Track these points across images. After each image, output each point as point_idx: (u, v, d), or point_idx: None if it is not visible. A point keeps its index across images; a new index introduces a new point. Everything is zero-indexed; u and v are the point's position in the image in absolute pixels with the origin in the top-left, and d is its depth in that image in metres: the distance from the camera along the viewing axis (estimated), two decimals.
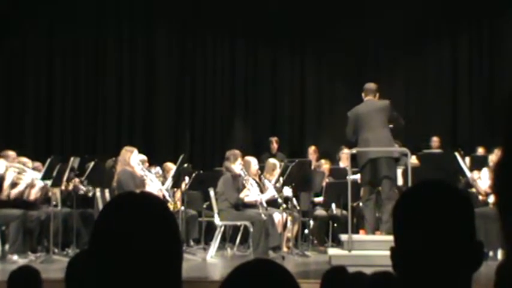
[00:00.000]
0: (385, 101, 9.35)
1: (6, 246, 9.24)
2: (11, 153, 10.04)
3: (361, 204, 9.72)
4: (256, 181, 10.35)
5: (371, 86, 9.47)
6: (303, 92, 14.91)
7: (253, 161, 10.46)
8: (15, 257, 8.98)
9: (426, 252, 1.61)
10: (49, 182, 9.38)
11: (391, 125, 9.19)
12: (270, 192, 10.19)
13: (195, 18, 14.44)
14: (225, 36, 14.79)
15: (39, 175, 9.52)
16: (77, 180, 9.95)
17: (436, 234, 1.61)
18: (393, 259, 1.68)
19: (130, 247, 1.60)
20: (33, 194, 9.74)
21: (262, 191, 10.23)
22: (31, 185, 9.66)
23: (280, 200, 10.01)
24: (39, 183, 9.64)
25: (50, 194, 9.89)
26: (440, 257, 1.61)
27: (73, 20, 13.98)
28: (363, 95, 9.41)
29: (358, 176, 9.52)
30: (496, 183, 1.58)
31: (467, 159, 10.39)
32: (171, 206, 9.66)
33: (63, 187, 9.62)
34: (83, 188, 10.09)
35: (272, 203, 10.17)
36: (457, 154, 9.69)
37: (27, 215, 9.33)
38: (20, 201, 9.55)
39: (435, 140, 12.99)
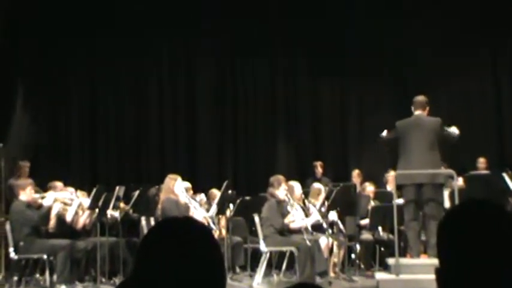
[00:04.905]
0: (436, 118, 9.02)
1: (54, 277, 9.31)
2: (59, 184, 10.20)
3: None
4: (301, 206, 10.31)
5: (419, 99, 9.17)
6: (345, 116, 14.87)
7: (296, 186, 10.43)
8: (63, 287, 9.05)
9: (472, 272, 1.57)
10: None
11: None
12: (314, 217, 10.14)
13: (234, 45, 14.53)
14: (266, 61, 14.83)
15: (88, 201, 9.62)
16: (122, 205, 9.98)
17: (482, 254, 1.58)
18: (438, 280, 1.64)
19: (174, 274, 1.59)
20: (81, 221, 9.83)
21: (306, 216, 10.18)
22: (79, 211, 9.76)
23: (325, 225, 9.95)
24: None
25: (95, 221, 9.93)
26: (486, 277, 1.57)
27: (112, 56, 14.18)
28: (412, 108, 9.15)
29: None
30: None
31: None
32: (215, 234, 9.67)
33: (109, 216, 9.69)
34: (132, 214, 10.14)
35: (318, 227, 10.11)
36: (504, 174, 9.54)
37: (74, 245, 9.42)
38: (68, 231, 9.66)
39: (482, 161, 12.80)
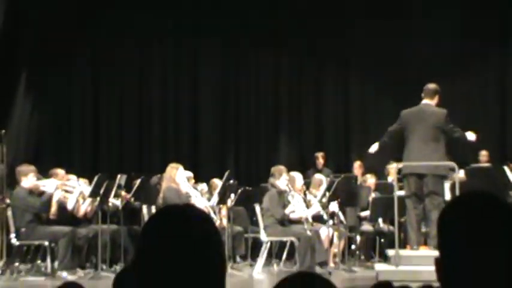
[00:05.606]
0: (442, 110, 8.82)
1: (56, 263, 9.35)
2: (60, 172, 10.21)
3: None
4: (302, 196, 10.33)
5: (429, 87, 8.93)
6: (347, 107, 14.85)
7: (297, 177, 10.44)
8: (64, 274, 9.07)
9: (472, 263, 1.58)
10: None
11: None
12: (315, 208, 10.15)
13: (238, 36, 14.48)
14: (269, 52, 14.79)
15: (89, 189, 9.64)
16: (124, 193, 10.00)
17: (482, 245, 1.58)
18: (438, 271, 1.65)
19: (174, 261, 1.60)
20: (83, 209, 9.85)
21: (307, 206, 10.20)
22: (80, 199, 9.78)
23: (326, 216, 9.97)
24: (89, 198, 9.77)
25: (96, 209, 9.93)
26: (486, 268, 1.58)
27: (115, 44, 14.21)
28: (422, 95, 8.96)
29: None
30: None
31: None
32: (216, 223, 9.68)
33: (110, 204, 9.71)
34: (133, 203, 10.15)
35: (318, 218, 10.14)
36: (506, 168, 9.53)
37: (76, 232, 9.44)
38: (69, 218, 9.68)
39: (483, 154, 12.78)
